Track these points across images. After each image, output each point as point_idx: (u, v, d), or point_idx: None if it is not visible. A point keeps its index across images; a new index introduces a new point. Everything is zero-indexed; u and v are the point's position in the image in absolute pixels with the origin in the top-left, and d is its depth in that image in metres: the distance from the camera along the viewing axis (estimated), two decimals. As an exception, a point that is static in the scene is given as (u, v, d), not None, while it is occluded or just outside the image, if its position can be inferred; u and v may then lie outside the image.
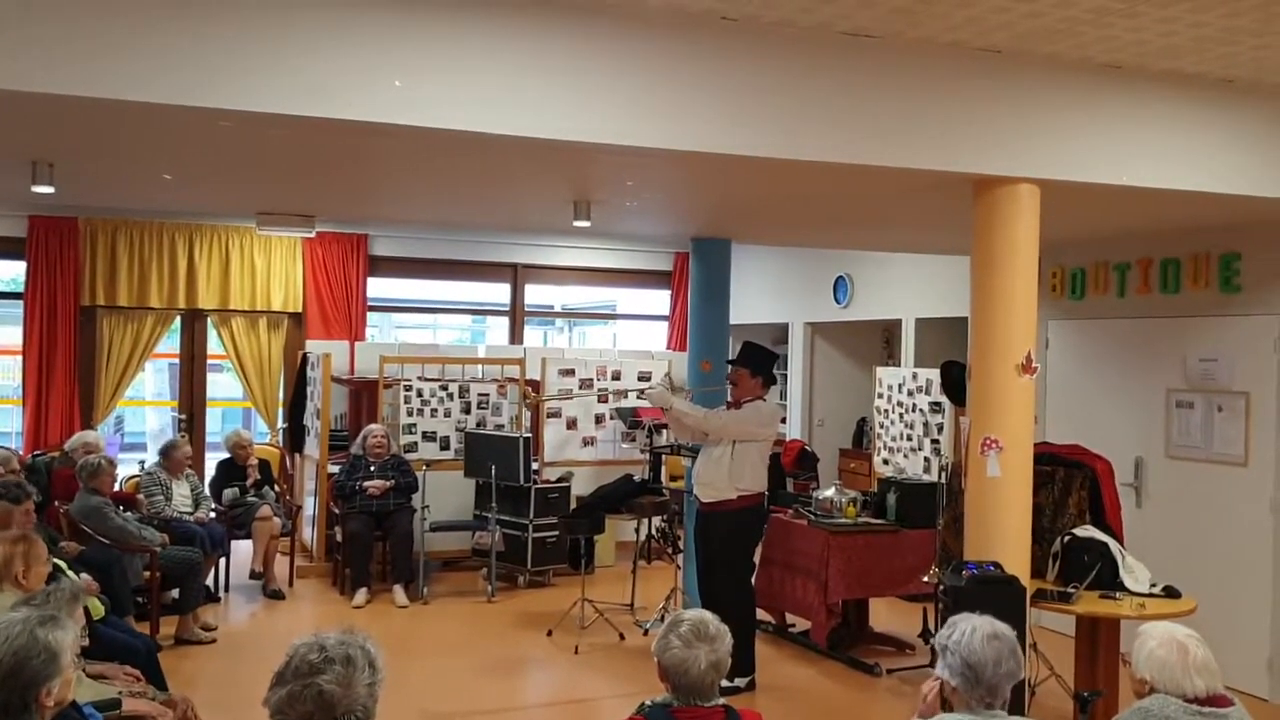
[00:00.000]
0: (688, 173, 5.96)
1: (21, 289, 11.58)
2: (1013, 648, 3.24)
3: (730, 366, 7.47)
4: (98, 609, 5.96)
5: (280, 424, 12.27)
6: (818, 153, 5.12)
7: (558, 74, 4.64)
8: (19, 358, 11.69)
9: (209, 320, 12.36)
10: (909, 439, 9.78)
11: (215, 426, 13.48)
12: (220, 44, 4.17)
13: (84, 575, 6.08)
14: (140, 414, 17.64)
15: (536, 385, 10.63)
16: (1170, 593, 6.01)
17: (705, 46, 4.86)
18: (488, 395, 10.58)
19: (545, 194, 6.83)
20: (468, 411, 10.48)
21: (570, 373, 10.71)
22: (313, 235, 10.22)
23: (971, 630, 3.24)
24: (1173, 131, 5.71)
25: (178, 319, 12.29)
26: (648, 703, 3.33)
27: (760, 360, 7.33)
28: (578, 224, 7.19)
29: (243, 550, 9.59)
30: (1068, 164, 5.54)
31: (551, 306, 15.32)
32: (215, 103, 4.23)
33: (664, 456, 10.06)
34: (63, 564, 5.92)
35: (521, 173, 6.05)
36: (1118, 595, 5.89)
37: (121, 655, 5.61)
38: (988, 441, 5.57)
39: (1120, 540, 6.28)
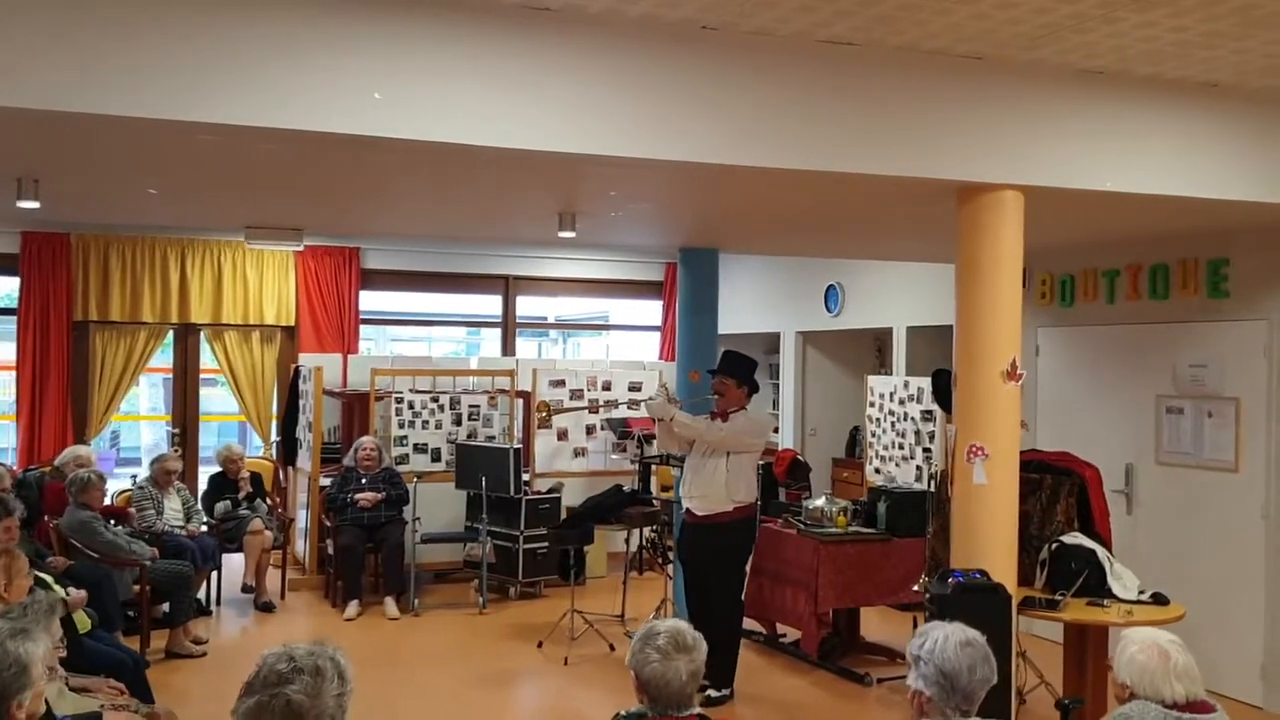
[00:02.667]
0: (670, 182, 5.97)
1: (15, 304, 11.58)
2: (985, 654, 3.22)
3: (714, 376, 7.40)
4: (84, 623, 5.96)
5: (274, 437, 12.25)
6: (799, 161, 5.13)
7: (536, 85, 4.65)
8: (12, 373, 11.68)
9: (202, 334, 12.35)
10: (901, 448, 9.78)
11: (210, 440, 13.45)
12: (199, 57, 4.17)
13: (71, 589, 6.05)
14: (136, 429, 17.65)
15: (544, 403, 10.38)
16: (1159, 599, 5.99)
17: (684, 56, 4.86)
18: (478, 407, 10.58)
19: (529, 205, 6.83)
20: (459, 423, 10.48)
21: (561, 384, 10.69)
22: (301, 249, 10.22)
23: (944, 638, 3.21)
24: (1156, 136, 5.71)
25: (170, 334, 12.29)
26: (622, 713, 3.31)
27: (745, 369, 7.30)
28: (563, 235, 7.19)
29: (235, 564, 9.58)
30: (1051, 170, 5.54)
31: (545, 318, 15.32)
32: (195, 116, 4.23)
33: (654, 467, 10.05)
34: (49, 578, 5.90)
35: (504, 184, 6.05)
36: (1105, 602, 5.88)
37: (108, 669, 5.60)
38: (973, 449, 5.57)
39: (1109, 547, 6.27)
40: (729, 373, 7.25)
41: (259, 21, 4.26)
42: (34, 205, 6.17)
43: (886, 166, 5.29)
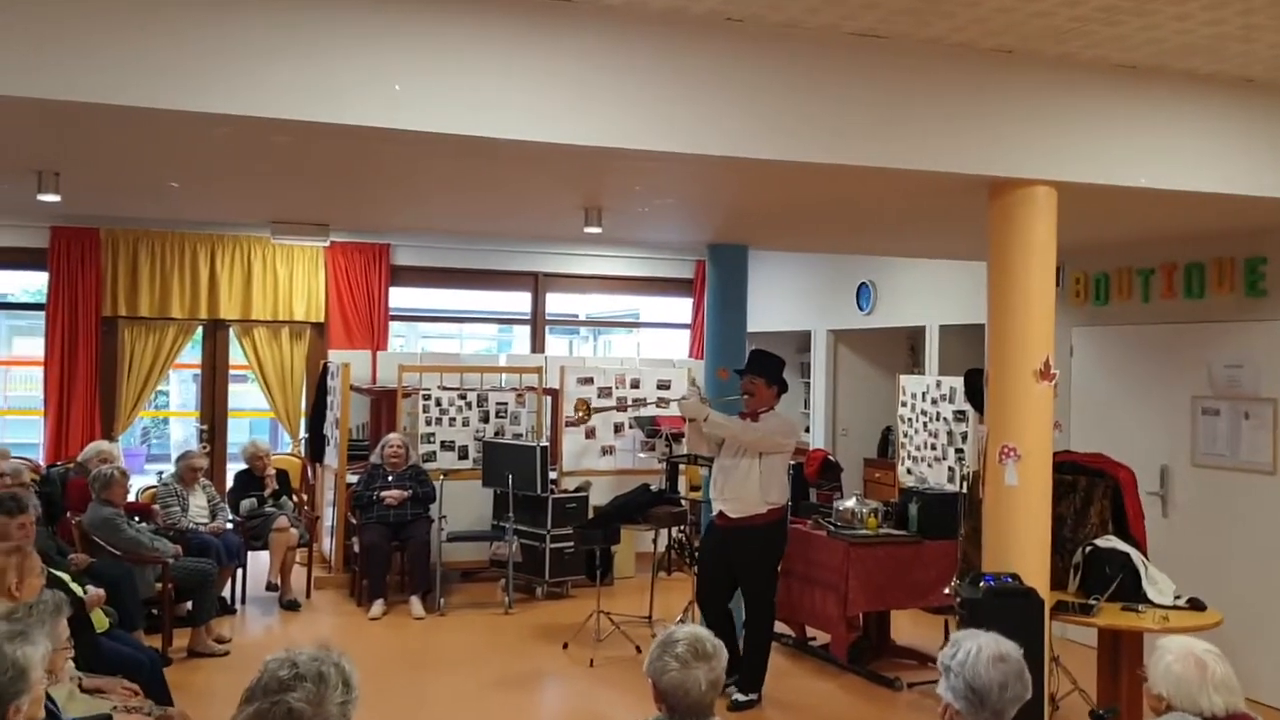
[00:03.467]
0: (695, 177, 5.85)
1: (43, 300, 11.62)
2: (1019, 670, 3.08)
3: (743, 376, 7.27)
4: (102, 621, 5.92)
5: (302, 434, 12.24)
6: (826, 155, 5.02)
7: (557, 77, 4.56)
8: (41, 368, 11.73)
9: (231, 331, 12.36)
10: (933, 448, 9.64)
11: (243, 437, 13.47)
12: (212, 48, 4.12)
13: (90, 587, 6.02)
14: (167, 425, 17.74)
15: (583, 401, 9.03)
16: (1195, 605, 5.86)
17: (710, 49, 4.76)
18: (506, 404, 10.52)
19: (554, 200, 6.74)
20: (486, 420, 10.42)
21: (589, 381, 10.62)
22: (327, 244, 10.18)
23: (976, 651, 3.08)
24: (1191, 132, 5.56)
25: (199, 329, 12.31)
26: (640, 722, 3.23)
27: (775, 368, 7.19)
28: (589, 230, 7.08)
29: (261, 562, 9.55)
30: (1084, 165, 5.41)
31: (576, 315, 15.26)
32: (207, 107, 4.17)
33: (681, 466, 9.94)
34: (65, 576, 5.87)
35: (528, 179, 5.96)
36: (1140, 608, 5.74)
37: (125, 668, 5.55)
38: (1005, 450, 5.45)
39: (1143, 551, 6.13)
40: (759, 372, 7.13)
41: (276, 12, 4.20)
42: (55, 199, 6.12)
43: (915, 161, 5.17)
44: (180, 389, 16.42)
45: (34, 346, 12.11)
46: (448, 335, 16.35)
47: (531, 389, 10.64)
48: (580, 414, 8.37)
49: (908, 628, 8.53)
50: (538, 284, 13.49)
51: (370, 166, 5.79)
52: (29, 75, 3.94)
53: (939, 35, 4.98)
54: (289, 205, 7.45)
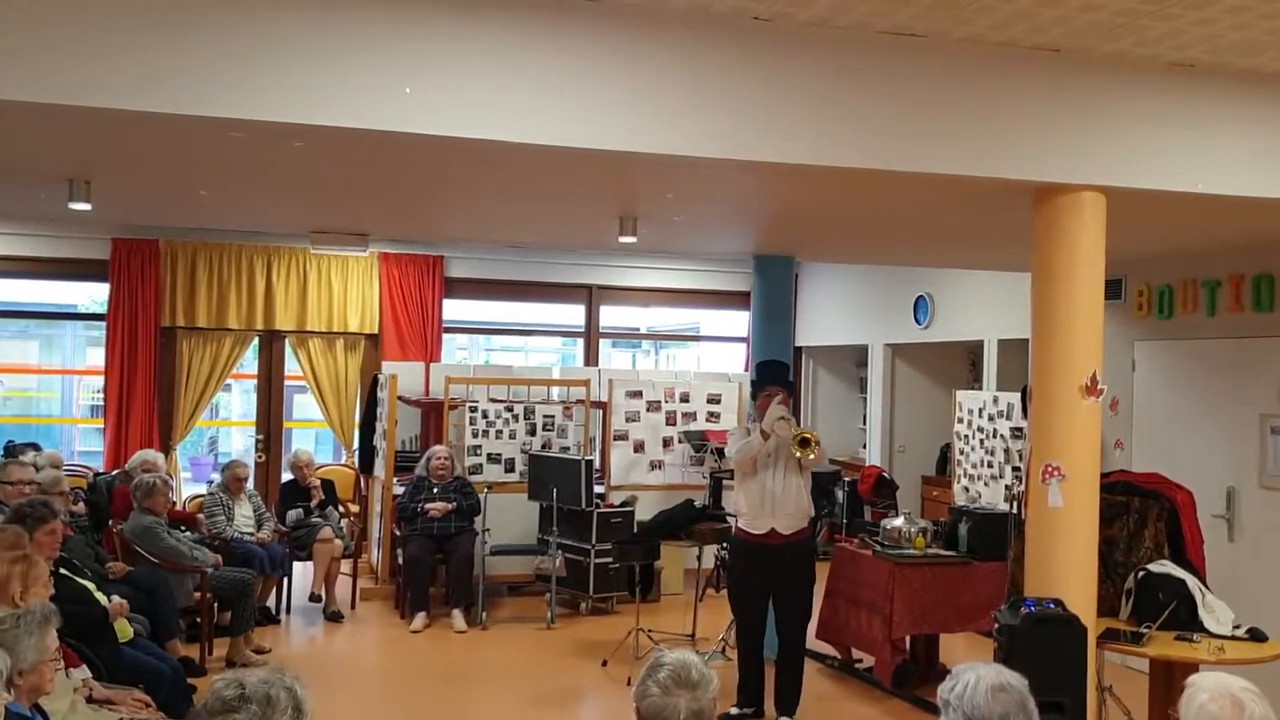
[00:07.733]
0: (727, 184, 5.66)
1: (105, 310, 11.74)
2: (1021, 701, 2.86)
3: (766, 388, 6.93)
4: (125, 631, 5.87)
5: (354, 445, 12.23)
6: (861, 159, 4.82)
7: (575, 80, 4.42)
8: (102, 378, 11.85)
9: (287, 341, 12.39)
10: (989, 466, 9.35)
11: (308, 447, 13.45)
12: (222, 52, 4.05)
13: (114, 597, 5.97)
14: (233, 435, 17.84)
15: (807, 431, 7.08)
16: (1255, 635, 5.54)
17: (736, 49, 4.60)
18: (553, 417, 10.38)
19: (587, 210, 6.60)
20: (533, 433, 10.29)
21: (637, 395, 10.46)
22: (365, 254, 10.16)
23: (975, 682, 2.87)
24: (1253, 135, 5.26)
25: (256, 340, 12.35)
26: (624, 751, 3.05)
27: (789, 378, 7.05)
28: (623, 240, 6.94)
29: (306, 572, 9.51)
30: (1135, 170, 5.15)
31: (637, 328, 15.09)
32: (220, 111, 4.11)
33: (724, 481, 9.73)
34: (91, 586, 5.82)
35: (556, 187, 5.81)
36: (1195, 637, 5.45)
37: (146, 678, 5.51)
38: (1049, 469, 5.20)
39: (1202, 577, 5.82)
40: (785, 385, 6.94)
41: (288, 15, 4.11)
42: (85, 207, 6.11)
43: (954, 166, 4.95)
44: (242, 399, 16.51)
45: (96, 356, 12.23)
46: (512, 349, 16.28)
47: (579, 402, 10.50)
48: (798, 450, 6.69)
49: (961, 651, 8.23)
50: (591, 296, 13.37)
51: (398, 173, 5.68)
52: (45, 80, 3.90)
53: (979, 33, 4.77)
54: (325, 214, 7.38)
